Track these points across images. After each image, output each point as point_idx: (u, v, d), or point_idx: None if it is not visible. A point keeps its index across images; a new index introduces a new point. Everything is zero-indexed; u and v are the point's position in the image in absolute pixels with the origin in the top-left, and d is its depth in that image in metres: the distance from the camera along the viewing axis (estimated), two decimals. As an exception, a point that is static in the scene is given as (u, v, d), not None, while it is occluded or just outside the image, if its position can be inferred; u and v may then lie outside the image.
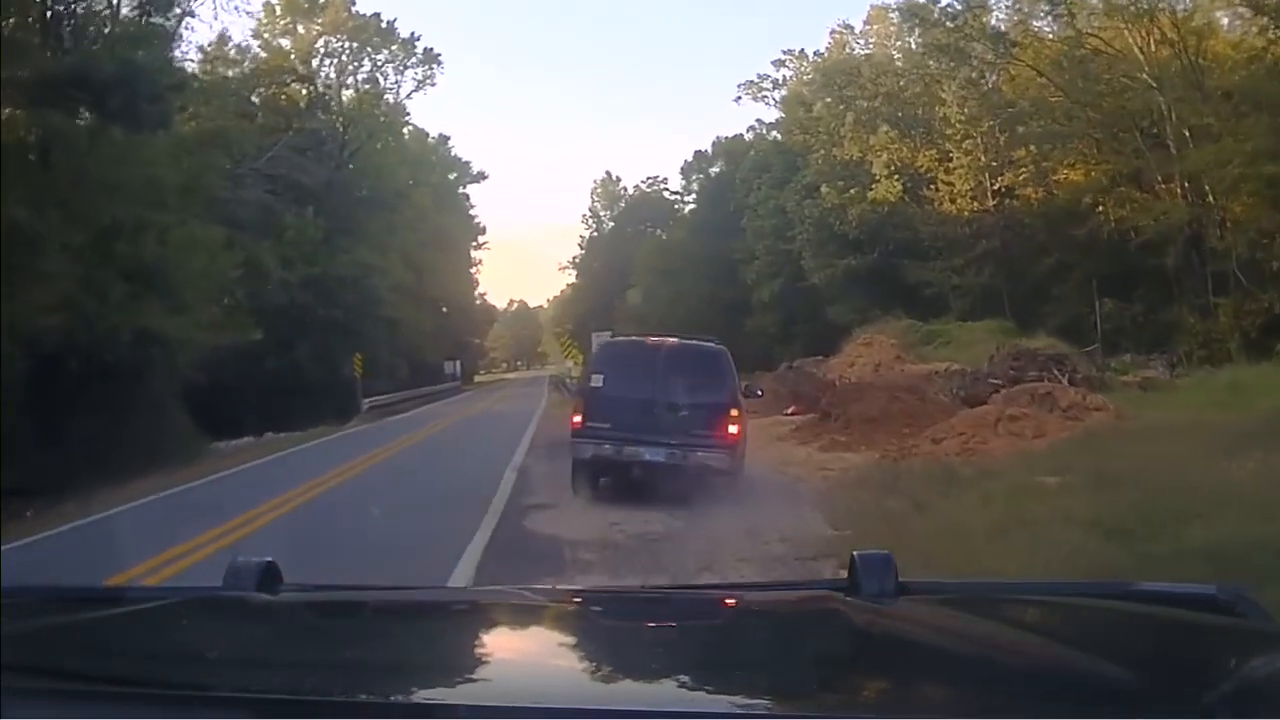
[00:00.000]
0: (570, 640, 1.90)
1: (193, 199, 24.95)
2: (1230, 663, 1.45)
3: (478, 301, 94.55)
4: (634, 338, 14.45)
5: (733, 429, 12.11)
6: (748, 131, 63.33)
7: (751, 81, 59.39)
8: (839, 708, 1.29)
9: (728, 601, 2.24)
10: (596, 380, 12.79)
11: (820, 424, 20.11)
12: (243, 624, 1.86)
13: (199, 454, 25.74)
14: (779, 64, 58.14)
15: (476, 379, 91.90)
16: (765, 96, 59.03)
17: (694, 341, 13.62)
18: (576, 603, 2.15)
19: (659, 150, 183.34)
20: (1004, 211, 39.33)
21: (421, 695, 1.37)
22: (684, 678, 1.48)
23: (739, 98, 63.54)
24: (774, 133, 58.16)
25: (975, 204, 39.34)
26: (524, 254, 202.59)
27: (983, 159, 39.34)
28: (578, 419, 12.50)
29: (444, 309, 71.65)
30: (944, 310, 38.46)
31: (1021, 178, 37.94)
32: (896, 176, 41.38)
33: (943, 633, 1.66)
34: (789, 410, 24.33)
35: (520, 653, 1.76)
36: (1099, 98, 33.93)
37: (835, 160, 44.07)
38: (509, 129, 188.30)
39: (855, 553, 1.80)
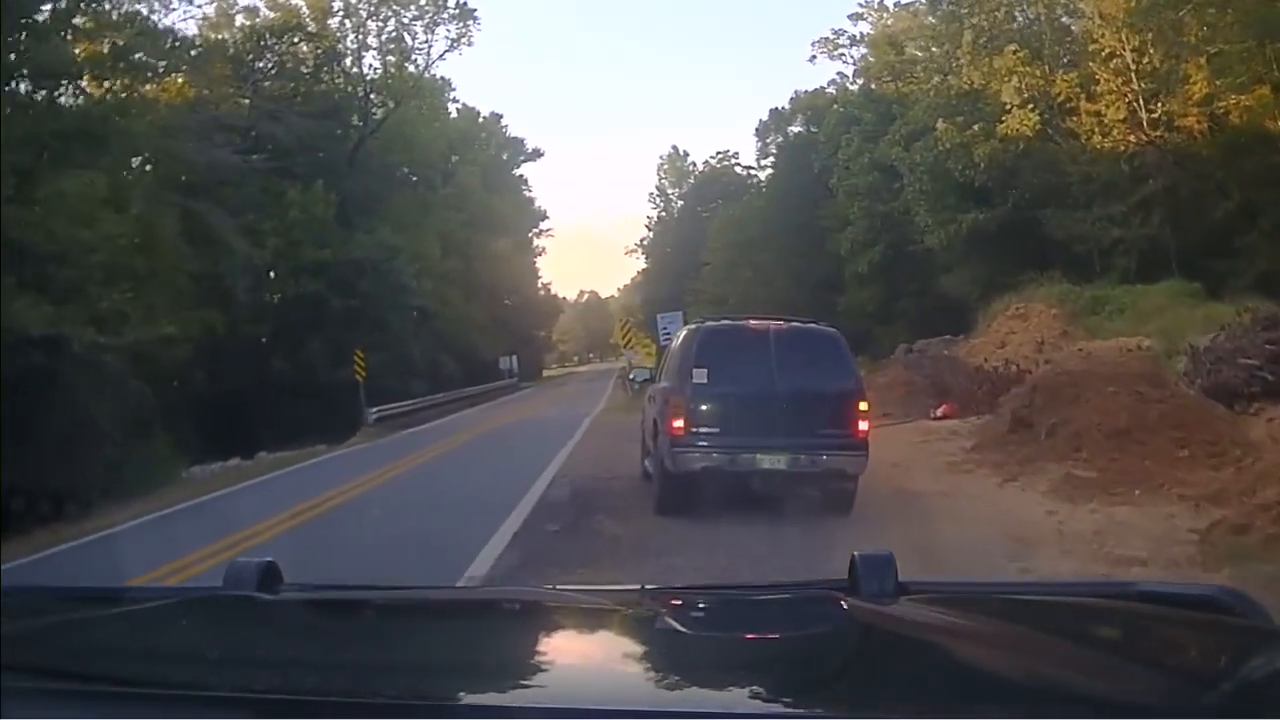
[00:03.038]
0: (570, 640, 1.94)
1: (95, 145, 17.27)
2: (1230, 663, 1.51)
3: (541, 292, 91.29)
4: (731, 321, 12.31)
5: (863, 424, 10.79)
6: (829, 85, 59.01)
7: (827, 38, 55.56)
8: (839, 708, 1.34)
9: (727, 601, 2.23)
10: (699, 375, 10.87)
11: (1015, 438, 14.03)
12: (243, 624, 1.91)
13: (166, 482, 21.23)
14: (856, 18, 53.94)
15: (545, 374, 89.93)
16: (843, 54, 55.27)
17: (804, 324, 12.01)
18: (577, 603, 2.12)
19: (727, 123, 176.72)
20: (1168, 145, 33.19)
21: (421, 695, 1.39)
22: (683, 677, 1.52)
23: (814, 56, 60.80)
24: (860, 80, 54.33)
25: (1134, 136, 33.42)
26: (593, 244, 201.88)
27: (1136, 82, 33.19)
28: (678, 424, 10.77)
29: (506, 301, 64.30)
30: (1089, 271, 33.21)
31: (1193, 98, 31.78)
32: (1031, 106, 35.22)
33: (943, 633, 1.70)
34: (937, 412, 19.08)
35: (519, 652, 1.78)
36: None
37: (950, 92, 39.30)
38: (574, 118, 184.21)
39: (855, 553, 1.84)
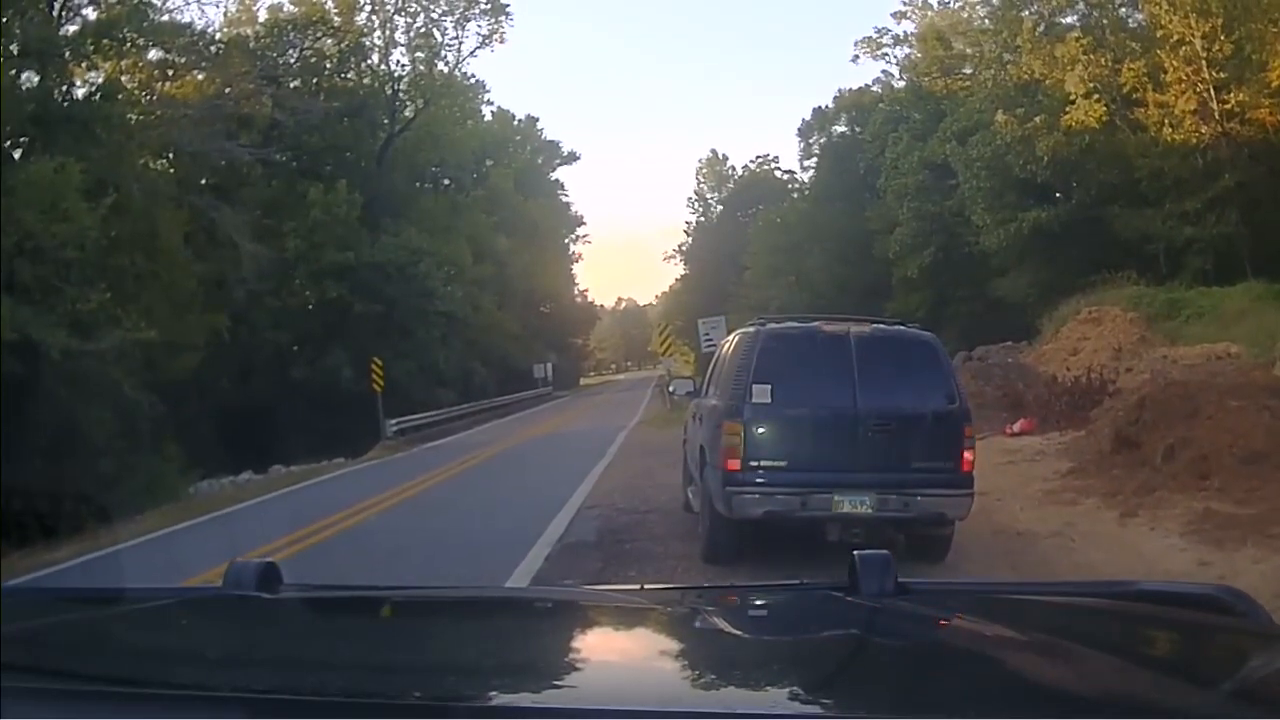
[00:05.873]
0: (569, 639, 1.93)
1: (81, 134, 15.72)
2: (1230, 663, 1.50)
3: (578, 299, 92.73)
4: (799, 323, 9.80)
5: (968, 455, 8.88)
6: (874, 84, 57.88)
7: (869, 37, 53.73)
8: (839, 708, 1.35)
9: (727, 601, 2.23)
10: (760, 393, 8.81)
11: (1121, 460, 12.10)
12: (243, 624, 1.93)
13: (169, 499, 19.83)
14: (900, 16, 52.07)
15: (582, 382, 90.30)
16: (886, 53, 53.78)
17: (892, 326, 9.93)
18: (576, 602, 2.17)
19: (767, 127, 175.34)
20: (1240, 138, 31.54)
21: (420, 694, 1.39)
22: (683, 676, 1.55)
23: (856, 56, 57.45)
24: (906, 78, 52.86)
25: (1206, 128, 31.74)
26: (632, 250, 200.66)
27: (1206, 71, 31.30)
28: (734, 456, 8.76)
29: (542, 308, 63.63)
30: (1156, 272, 31.38)
31: (1270, 86, 29.78)
32: (1096, 96, 34.25)
33: (943, 633, 1.72)
34: (1014, 427, 17.29)
35: (518, 651, 1.77)
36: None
37: (1009, 83, 37.88)
38: (611, 121, 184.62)
39: (855, 553, 1.83)
